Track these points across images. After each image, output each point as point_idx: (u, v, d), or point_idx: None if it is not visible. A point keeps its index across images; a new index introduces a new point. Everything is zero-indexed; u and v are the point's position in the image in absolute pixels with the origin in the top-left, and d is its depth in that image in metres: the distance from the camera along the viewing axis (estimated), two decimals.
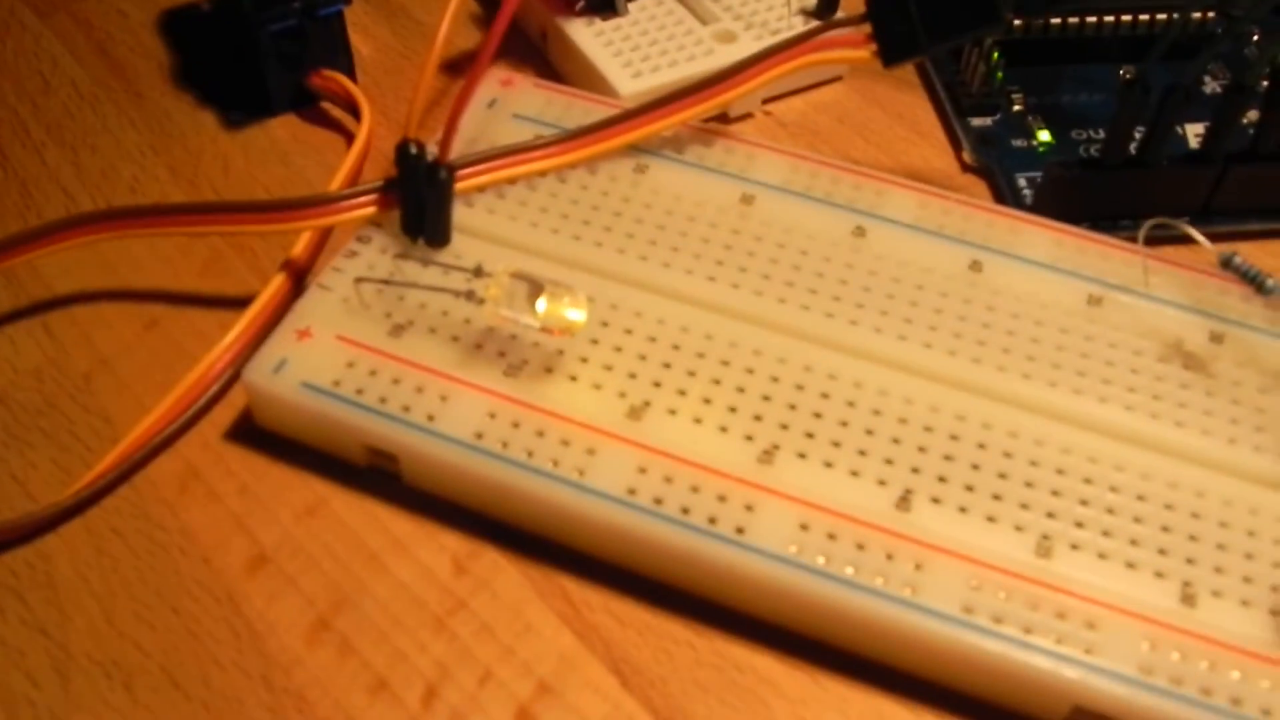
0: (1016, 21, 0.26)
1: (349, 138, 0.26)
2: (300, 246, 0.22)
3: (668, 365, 0.20)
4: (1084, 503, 0.19)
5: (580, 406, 0.19)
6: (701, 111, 0.23)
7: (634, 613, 0.19)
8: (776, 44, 0.23)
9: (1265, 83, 0.23)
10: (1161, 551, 0.18)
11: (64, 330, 0.23)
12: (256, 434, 0.21)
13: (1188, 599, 0.18)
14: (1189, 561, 0.18)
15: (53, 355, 0.22)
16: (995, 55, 0.26)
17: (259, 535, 0.20)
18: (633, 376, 0.20)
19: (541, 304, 0.19)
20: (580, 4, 0.26)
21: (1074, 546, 0.18)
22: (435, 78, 0.26)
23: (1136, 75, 0.23)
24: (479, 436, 0.19)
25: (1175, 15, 0.27)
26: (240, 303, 0.22)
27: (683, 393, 0.20)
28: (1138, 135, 0.23)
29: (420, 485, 0.20)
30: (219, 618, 0.19)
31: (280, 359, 0.20)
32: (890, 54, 0.22)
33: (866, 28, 0.22)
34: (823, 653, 0.19)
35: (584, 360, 0.20)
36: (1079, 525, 0.19)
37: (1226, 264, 0.21)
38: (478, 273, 0.20)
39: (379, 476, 0.20)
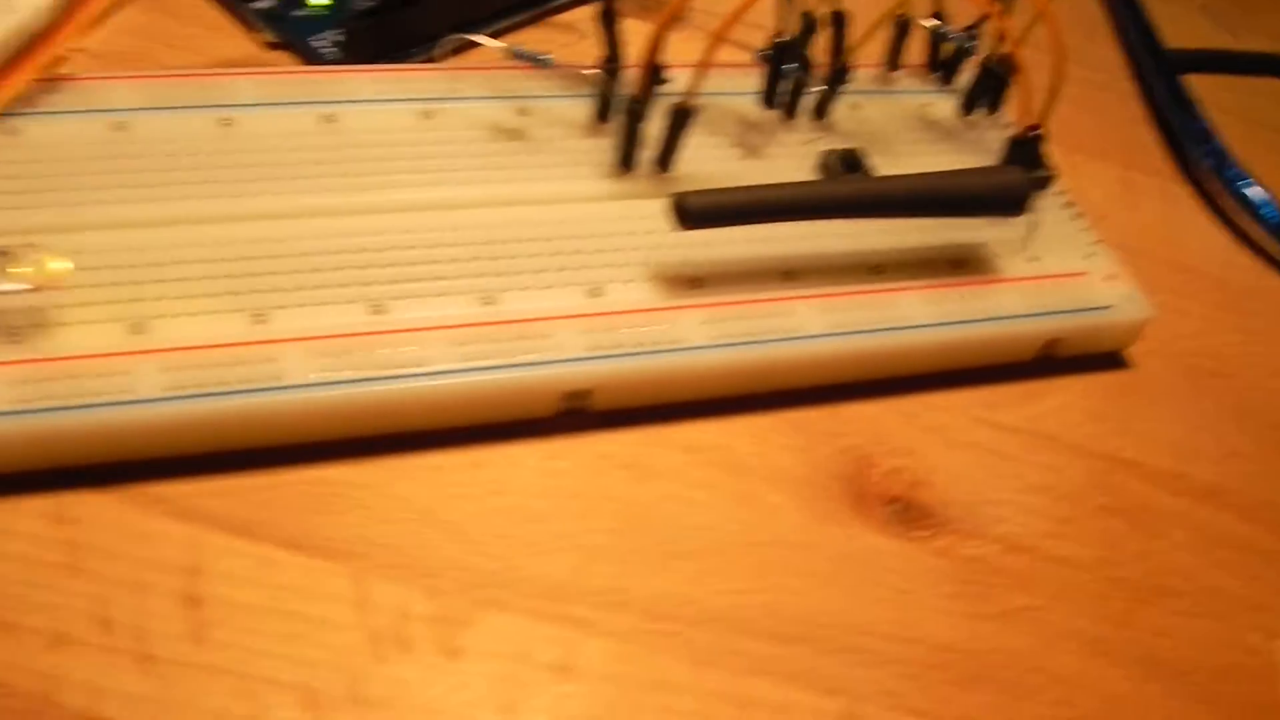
0: None
1: None
2: None
3: (136, 282, 0.28)
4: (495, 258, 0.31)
5: (90, 341, 0.27)
6: (53, 58, 0.31)
7: (221, 485, 0.28)
8: None
9: None
10: (561, 269, 0.31)
11: None
12: None
13: (595, 292, 0.31)
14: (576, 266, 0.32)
15: None
16: None
17: None
18: (113, 302, 0.28)
19: (18, 268, 0.27)
20: None
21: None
22: None
23: None
24: (24, 401, 0.26)
25: None
26: None
27: (160, 298, 0.28)
28: None
29: None
30: None
31: None
32: None
33: None
34: (351, 447, 0.29)
35: (63, 305, 0.27)
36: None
37: (516, 54, 0.34)
38: None
39: None
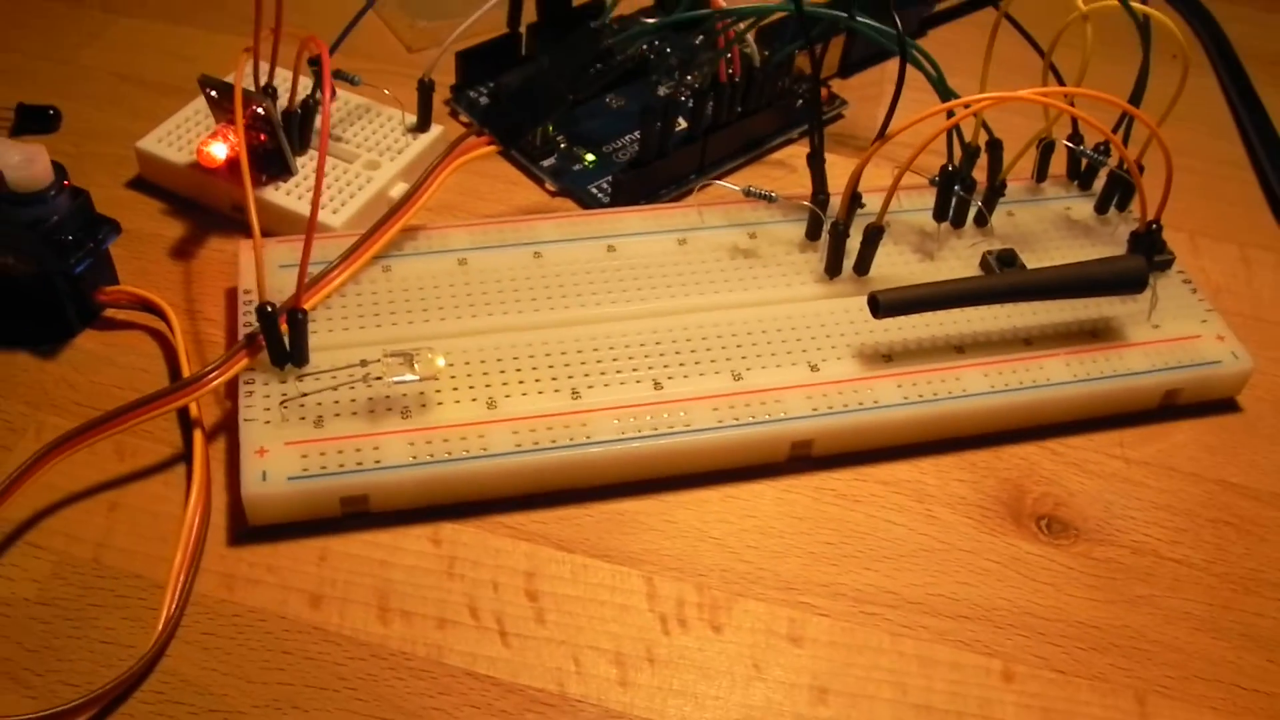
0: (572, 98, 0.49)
1: (141, 329, 0.43)
2: (196, 408, 0.40)
3: (485, 373, 0.41)
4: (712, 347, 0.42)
5: (457, 415, 0.39)
6: (412, 216, 0.43)
7: (549, 515, 0.40)
8: (436, 159, 0.44)
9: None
10: (789, 352, 0.42)
11: (49, 540, 0.38)
12: (251, 533, 0.38)
13: (814, 368, 0.42)
14: (799, 349, 0.43)
15: (56, 559, 0.37)
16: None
17: (302, 586, 0.37)
18: (472, 387, 0.40)
19: (418, 365, 0.39)
20: (264, 177, 0.45)
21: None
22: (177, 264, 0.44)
23: (652, 104, 0.46)
24: (414, 457, 0.38)
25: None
26: (169, 463, 0.40)
27: (505, 383, 0.40)
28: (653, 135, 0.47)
29: (386, 507, 0.39)
30: (317, 640, 0.36)
31: (261, 472, 0.38)
32: (508, 140, 0.44)
33: (484, 134, 0.44)
34: (640, 486, 0.40)
35: (439, 390, 0.40)
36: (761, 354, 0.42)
37: (747, 193, 0.45)
38: (363, 364, 0.39)
39: (352, 518, 0.39)
